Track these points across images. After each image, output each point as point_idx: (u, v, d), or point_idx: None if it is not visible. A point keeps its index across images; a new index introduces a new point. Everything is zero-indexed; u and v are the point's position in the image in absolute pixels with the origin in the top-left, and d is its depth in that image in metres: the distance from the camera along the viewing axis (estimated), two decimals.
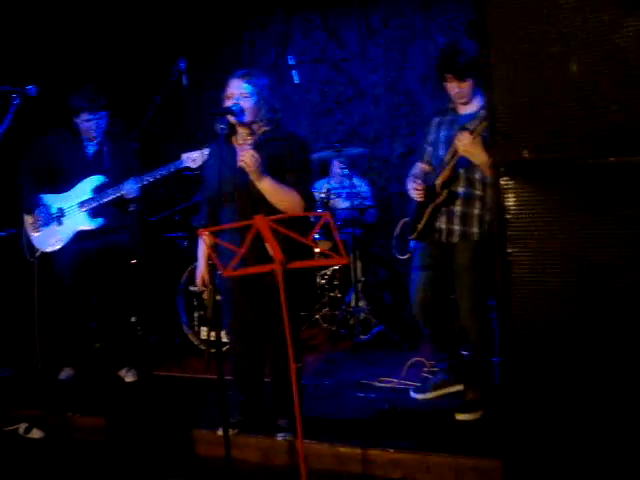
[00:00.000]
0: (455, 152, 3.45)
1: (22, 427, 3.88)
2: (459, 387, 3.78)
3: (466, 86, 3.54)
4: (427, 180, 3.67)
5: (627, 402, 2.02)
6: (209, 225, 3.42)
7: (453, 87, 3.56)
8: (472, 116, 3.53)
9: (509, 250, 2.14)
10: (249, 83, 3.29)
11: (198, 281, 3.57)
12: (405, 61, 6.52)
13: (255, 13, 6.97)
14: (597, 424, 2.08)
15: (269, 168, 3.21)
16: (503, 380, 2.33)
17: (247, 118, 3.29)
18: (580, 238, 2.05)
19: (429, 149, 3.78)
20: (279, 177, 3.26)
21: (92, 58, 6.23)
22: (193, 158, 4.06)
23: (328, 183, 5.91)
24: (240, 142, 3.39)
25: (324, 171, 6.22)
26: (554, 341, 2.14)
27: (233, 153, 3.36)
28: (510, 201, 2.11)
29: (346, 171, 5.73)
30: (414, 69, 6.44)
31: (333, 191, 5.76)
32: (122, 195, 4.29)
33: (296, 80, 6.12)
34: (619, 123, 1.89)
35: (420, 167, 3.83)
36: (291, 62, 6.11)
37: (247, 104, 3.27)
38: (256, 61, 6.91)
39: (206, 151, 3.83)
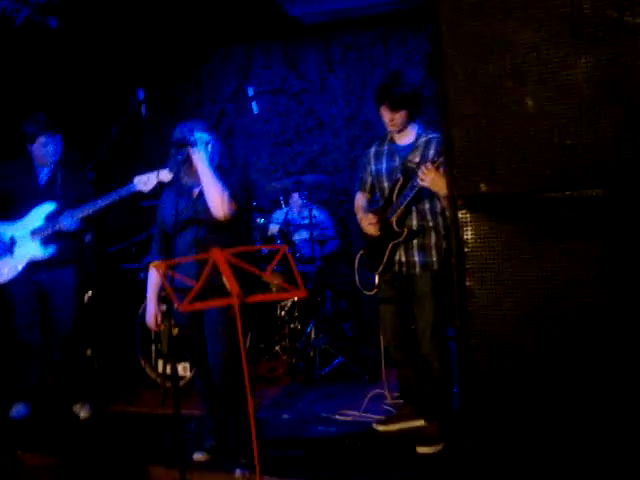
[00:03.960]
0: (402, 186, 3.53)
1: None
2: (422, 420, 3.75)
3: (398, 116, 3.61)
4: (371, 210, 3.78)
5: (590, 425, 2.02)
6: (162, 260, 3.43)
7: (386, 115, 3.64)
8: (410, 147, 3.65)
9: (467, 283, 2.13)
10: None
11: (150, 321, 3.52)
12: (364, 92, 6.58)
13: (216, 44, 7.00)
14: (562, 452, 2.07)
15: None
16: (462, 412, 2.31)
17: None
18: (534, 269, 2.06)
19: (369, 179, 3.86)
20: None
21: (47, 88, 6.15)
22: (144, 181, 3.88)
23: (287, 214, 5.90)
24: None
25: (282, 202, 6.21)
26: (514, 369, 2.14)
27: (190, 184, 3.46)
28: (468, 234, 2.11)
29: (305, 201, 5.73)
30: (373, 100, 6.49)
31: (292, 222, 5.75)
32: (60, 229, 4.19)
33: (255, 111, 6.12)
34: (573, 157, 1.91)
35: (362, 198, 3.92)
36: (250, 93, 6.12)
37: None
38: (217, 92, 6.92)
39: (161, 174, 3.72)
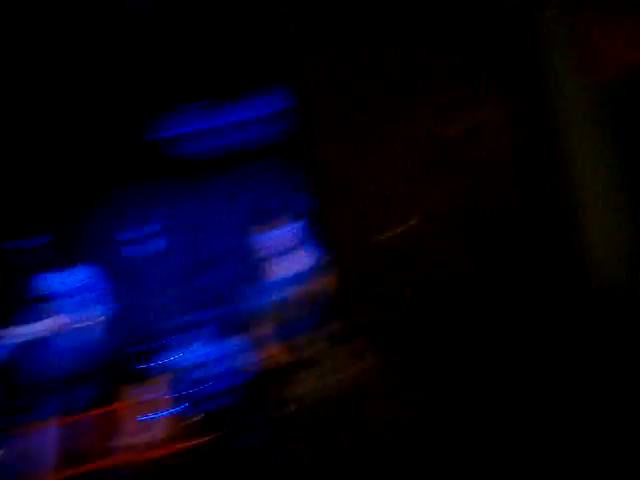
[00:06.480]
0: None
1: None
2: None
3: None
4: None
5: None
6: None
7: None
8: None
9: None
10: None
11: None
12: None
13: (96, 191, 6.98)
14: None
15: None
16: None
17: None
18: None
19: None
20: None
21: None
22: None
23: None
24: None
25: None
26: None
27: None
28: None
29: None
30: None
31: None
32: None
33: (146, 251, 6.13)
34: None
35: None
36: (140, 234, 6.14)
37: None
38: (104, 235, 6.87)
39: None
